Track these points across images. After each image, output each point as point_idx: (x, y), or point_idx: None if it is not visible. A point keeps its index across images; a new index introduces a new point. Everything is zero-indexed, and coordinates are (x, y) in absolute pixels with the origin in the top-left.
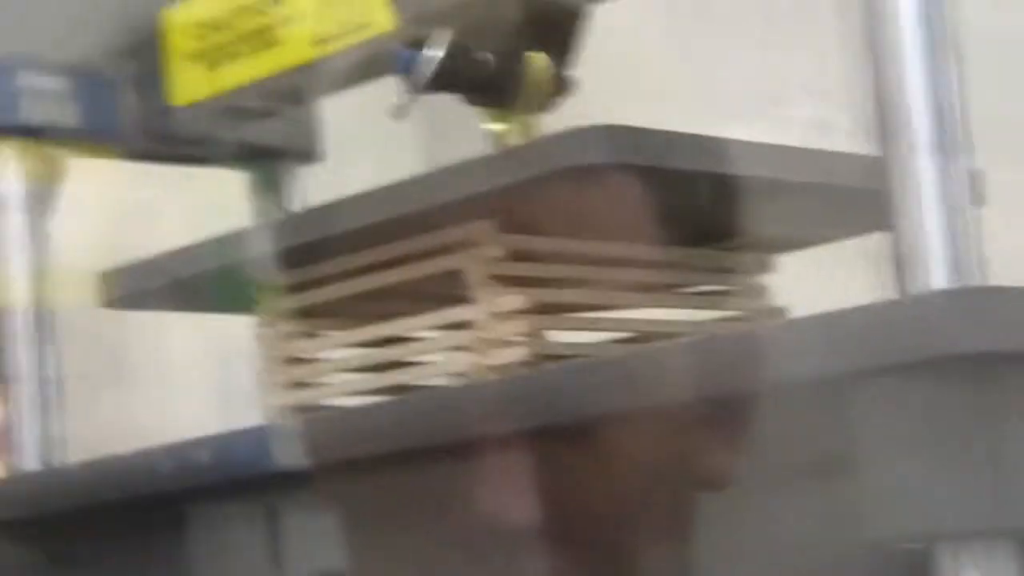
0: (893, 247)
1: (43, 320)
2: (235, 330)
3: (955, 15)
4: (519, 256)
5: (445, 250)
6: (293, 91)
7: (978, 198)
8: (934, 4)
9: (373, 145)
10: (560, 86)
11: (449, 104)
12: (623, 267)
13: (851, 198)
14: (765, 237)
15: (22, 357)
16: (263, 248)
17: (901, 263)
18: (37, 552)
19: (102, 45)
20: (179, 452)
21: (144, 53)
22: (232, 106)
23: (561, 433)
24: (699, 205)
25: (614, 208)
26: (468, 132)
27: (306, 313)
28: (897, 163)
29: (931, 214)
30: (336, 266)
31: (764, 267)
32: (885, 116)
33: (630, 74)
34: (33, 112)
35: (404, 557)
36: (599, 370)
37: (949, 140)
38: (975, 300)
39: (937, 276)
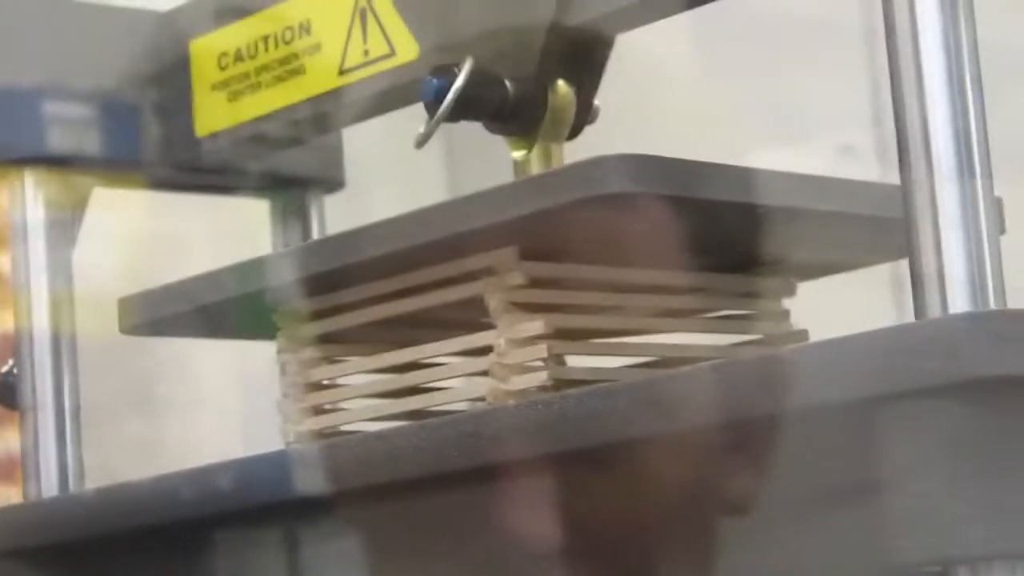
0: (913, 271)
1: (63, 348)
2: (257, 356)
3: (977, 38)
4: (541, 283)
5: (467, 278)
6: (317, 120)
7: (999, 225)
8: (957, 28)
9: (395, 173)
10: (583, 113)
11: (472, 132)
12: (645, 293)
13: (875, 226)
14: (789, 264)
15: (42, 385)
16: (284, 275)
17: (921, 287)
18: None
19: (127, 72)
20: (198, 478)
21: (169, 81)
22: (256, 135)
23: (583, 458)
24: (722, 233)
25: (636, 236)
26: (491, 160)
27: (327, 339)
28: (917, 186)
29: (952, 237)
30: (357, 293)
31: (786, 291)
32: (906, 139)
33: (654, 101)
34: (57, 140)
35: None
36: (620, 394)
37: (970, 163)
38: (998, 323)
39: (958, 300)
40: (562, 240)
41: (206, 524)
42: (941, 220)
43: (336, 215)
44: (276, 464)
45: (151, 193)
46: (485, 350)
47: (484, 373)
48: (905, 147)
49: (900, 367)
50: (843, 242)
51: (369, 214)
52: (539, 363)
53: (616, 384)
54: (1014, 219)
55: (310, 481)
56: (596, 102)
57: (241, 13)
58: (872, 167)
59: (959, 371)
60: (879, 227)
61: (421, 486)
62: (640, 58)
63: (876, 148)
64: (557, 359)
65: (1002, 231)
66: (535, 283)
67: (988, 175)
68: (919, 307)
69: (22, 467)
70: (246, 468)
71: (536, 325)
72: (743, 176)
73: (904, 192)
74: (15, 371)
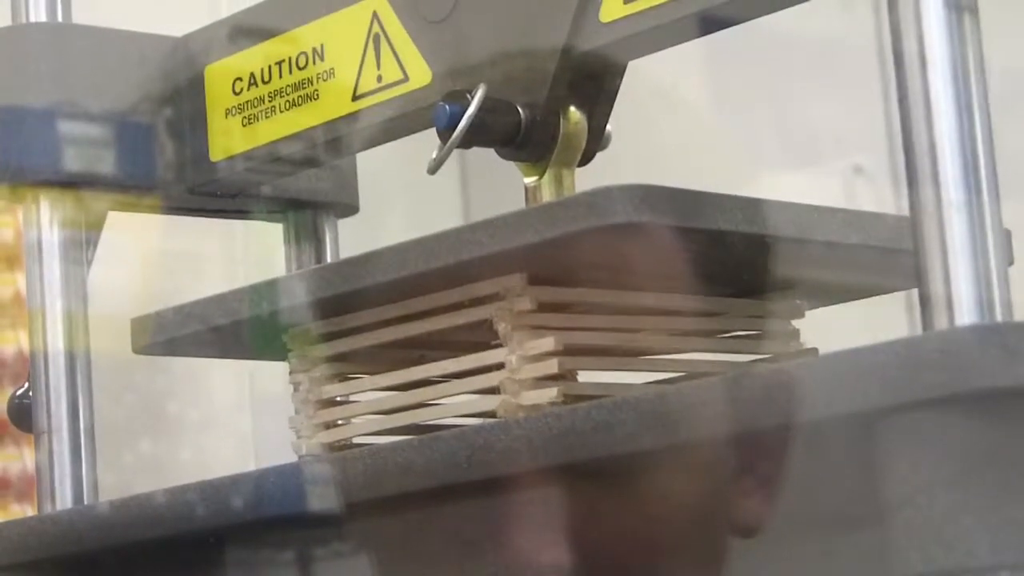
0: (921, 285)
1: (78, 369)
2: (269, 376)
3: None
4: (549, 307)
5: (476, 302)
6: (330, 145)
7: (1008, 255)
8: (965, 54)
9: (410, 197)
10: (595, 140)
11: (486, 157)
12: (653, 316)
13: (884, 256)
14: (796, 291)
15: (56, 407)
16: (294, 297)
17: (929, 300)
18: None
19: (143, 97)
20: (209, 490)
21: (183, 105)
22: (269, 159)
23: (594, 471)
24: (727, 261)
25: (642, 263)
26: (506, 185)
27: (338, 359)
28: (925, 203)
29: (959, 251)
30: (368, 316)
31: (794, 314)
32: (914, 156)
33: (668, 126)
34: (73, 163)
35: None
36: (630, 407)
37: (977, 182)
38: (1006, 335)
39: (965, 314)
40: (570, 266)
41: (218, 536)
42: (948, 233)
43: (351, 238)
44: (288, 476)
45: (166, 216)
46: (495, 367)
47: (494, 390)
48: (913, 163)
49: (908, 379)
50: (851, 271)
51: (384, 238)
52: (550, 381)
53: (626, 397)
54: None
55: (322, 493)
56: (608, 128)
57: (256, 38)
58: (885, 188)
59: (967, 383)
60: (888, 257)
61: (432, 498)
62: (653, 83)
63: (889, 169)
64: (569, 375)
65: (1010, 262)
66: (543, 307)
67: (995, 193)
68: (927, 320)
69: (37, 488)
70: (258, 480)
71: (547, 342)
72: (747, 206)
73: (912, 210)
74: (30, 394)
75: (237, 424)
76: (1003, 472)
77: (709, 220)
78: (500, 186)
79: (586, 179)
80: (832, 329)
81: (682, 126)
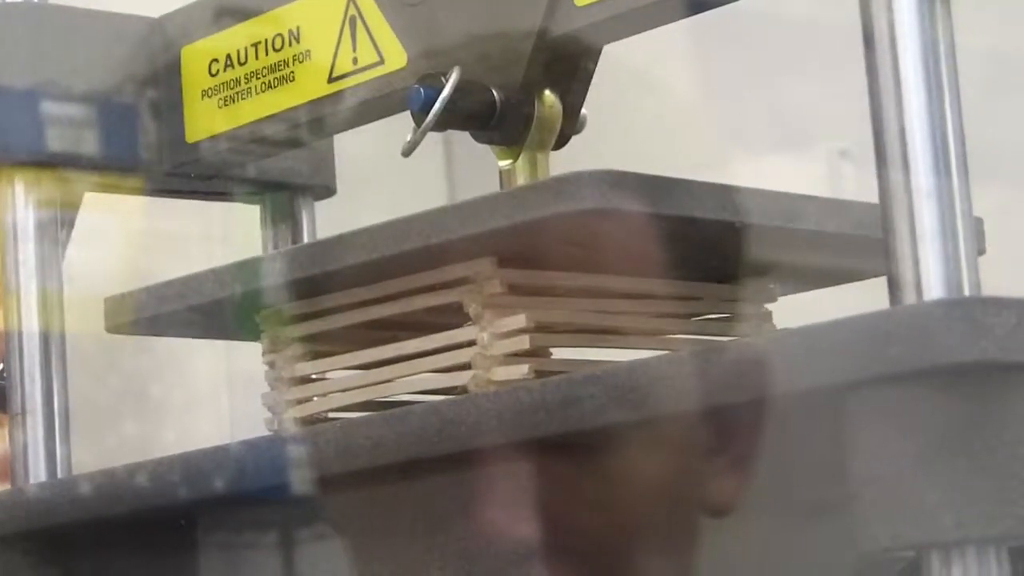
0: (890, 271)
1: (52, 351)
2: (251, 356)
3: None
4: (519, 290)
5: (446, 285)
6: (306, 127)
7: (978, 243)
8: (936, 36)
9: (396, 179)
10: (570, 123)
11: (471, 140)
12: (624, 300)
13: (857, 244)
14: (768, 276)
15: (30, 389)
16: (266, 278)
17: (897, 286)
18: (43, 567)
19: (118, 78)
20: (184, 463)
21: (160, 87)
22: (245, 141)
23: (565, 445)
24: (698, 246)
25: (612, 247)
26: (492, 167)
27: (312, 338)
28: (894, 186)
29: (927, 234)
30: (339, 298)
31: (766, 298)
32: (883, 139)
33: (649, 110)
34: (48, 144)
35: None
36: (600, 380)
37: (946, 160)
38: (972, 309)
39: (932, 291)
40: (540, 250)
41: (192, 508)
42: (917, 214)
43: (335, 220)
44: (259, 450)
45: (143, 197)
46: (466, 345)
47: (466, 367)
48: (882, 146)
49: (875, 354)
50: (824, 257)
51: (368, 221)
52: (522, 355)
53: (596, 371)
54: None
55: (292, 466)
56: (584, 112)
57: (232, 20)
58: (869, 171)
59: (934, 357)
60: (860, 245)
61: (403, 472)
62: (633, 66)
63: (875, 153)
64: (541, 352)
65: (981, 252)
66: (513, 290)
67: (964, 175)
68: (894, 295)
69: (11, 470)
70: (228, 454)
71: (518, 319)
72: (718, 193)
73: (881, 192)
74: (4, 375)
75: (216, 404)
76: (969, 446)
77: (679, 207)
78: (486, 169)
79: (566, 163)
80: (812, 312)
81: (664, 109)
